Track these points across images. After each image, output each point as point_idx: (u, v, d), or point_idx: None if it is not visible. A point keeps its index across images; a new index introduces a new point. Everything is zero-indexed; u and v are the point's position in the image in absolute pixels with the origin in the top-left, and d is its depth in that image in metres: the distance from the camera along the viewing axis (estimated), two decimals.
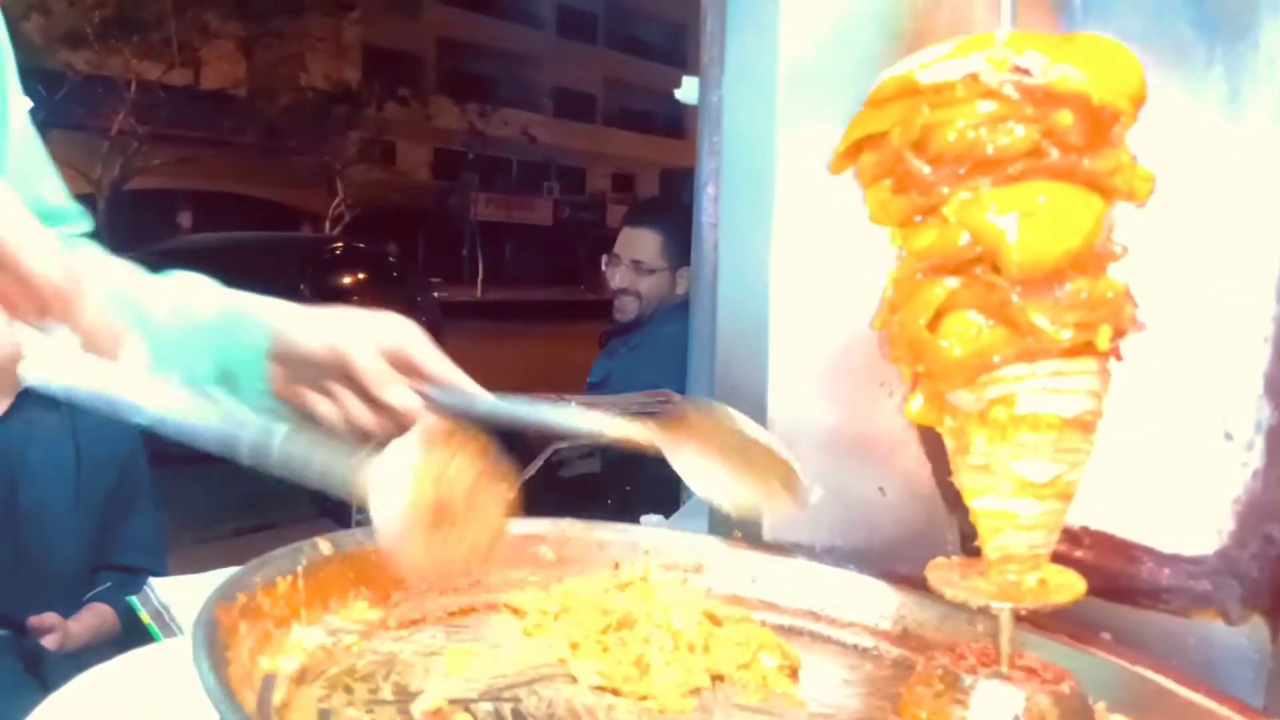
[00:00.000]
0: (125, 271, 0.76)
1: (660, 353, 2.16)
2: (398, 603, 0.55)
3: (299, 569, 0.49)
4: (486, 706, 0.47)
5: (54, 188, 0.85)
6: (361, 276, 8.60)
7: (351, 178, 17.87)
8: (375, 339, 0.63)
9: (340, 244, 9.75)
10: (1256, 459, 0.53)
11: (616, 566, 0.64)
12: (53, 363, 0.41)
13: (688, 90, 1.18)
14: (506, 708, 0.47)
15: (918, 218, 0.49)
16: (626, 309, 2.32)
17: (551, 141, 23.91)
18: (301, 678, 0.47)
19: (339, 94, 17.11)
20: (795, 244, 0.68)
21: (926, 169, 0.47)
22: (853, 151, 0.51)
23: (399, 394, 0.61)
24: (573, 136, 25.41)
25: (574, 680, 0.50)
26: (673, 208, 2.60)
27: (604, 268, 2.37)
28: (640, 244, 2.33)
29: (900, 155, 0.48)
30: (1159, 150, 0.49)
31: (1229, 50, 0.54)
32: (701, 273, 1.10)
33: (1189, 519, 0.55)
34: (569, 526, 0.65)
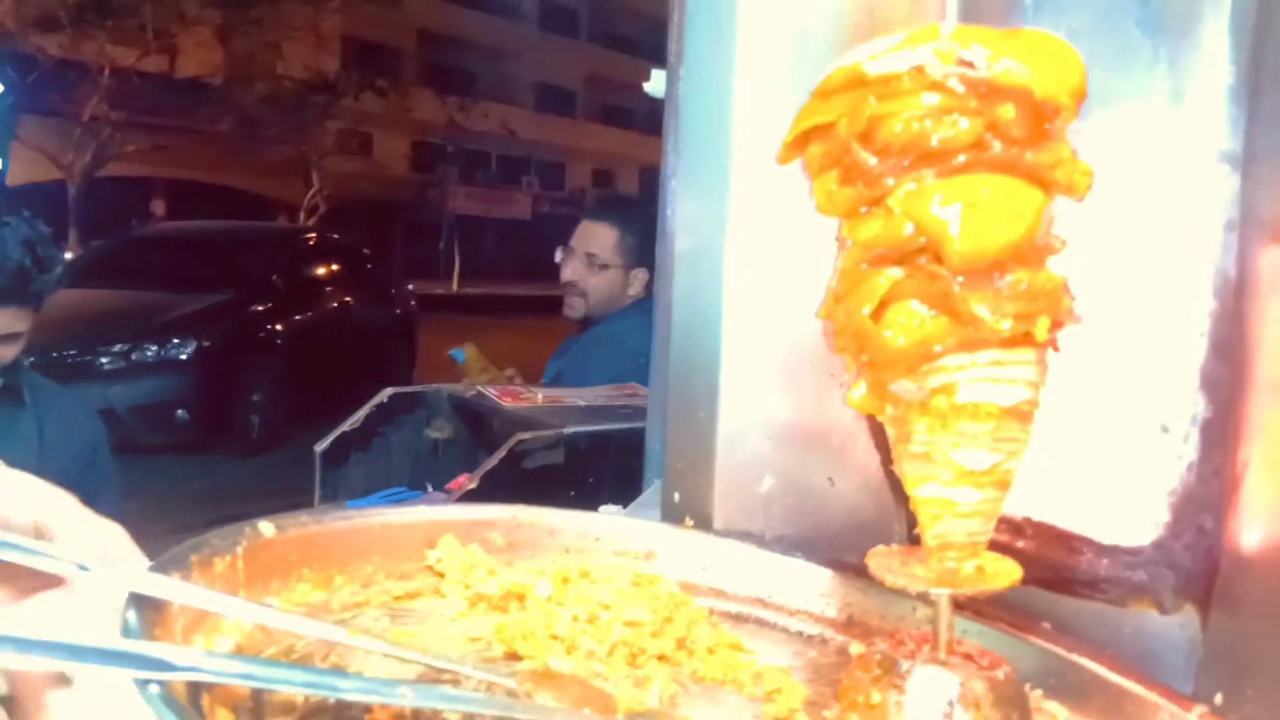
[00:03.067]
0: None
1: (611, 349, 2.14)
2: (341, 586, 0.55)
3: (239, 549, 0.49)
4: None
5: None
6: (335, 268, 8.54)
7: (328, 169, 17.74)
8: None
9: (314, 235, 9.67)
10: (1191, 452, 0.54)
11: (567, 552, 0.64)
12: None
13: (656, 83, 1.18)
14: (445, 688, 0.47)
15: (863, 209, 0.49)
16: (574, 306, 2.27)
17: (531, 136, 23.85)
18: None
19: (317, 84, 16.97)
20: (749, 236, 0.68)
21: (873, 160, 0.48)
22: (800, 142, 0.51)
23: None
24: (553, 131, 25.35)
25: (515, 661, 0.50)
26: (636, 206, 2.57)
27: (558, 259, 2.31)
28: (596, 237, 2.28)
29: (847, 146, 0.49)
30: (1104, 147, 0.49)
31: (1172, 49, 0.55)
32: (665, 266, 1.10)
33: (1127, 510, 0.56)
34: (520, 512, 0.65)
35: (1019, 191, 0.47)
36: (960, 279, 0.46)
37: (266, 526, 0.52)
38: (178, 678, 0.33)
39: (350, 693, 0.36)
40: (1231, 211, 0.53)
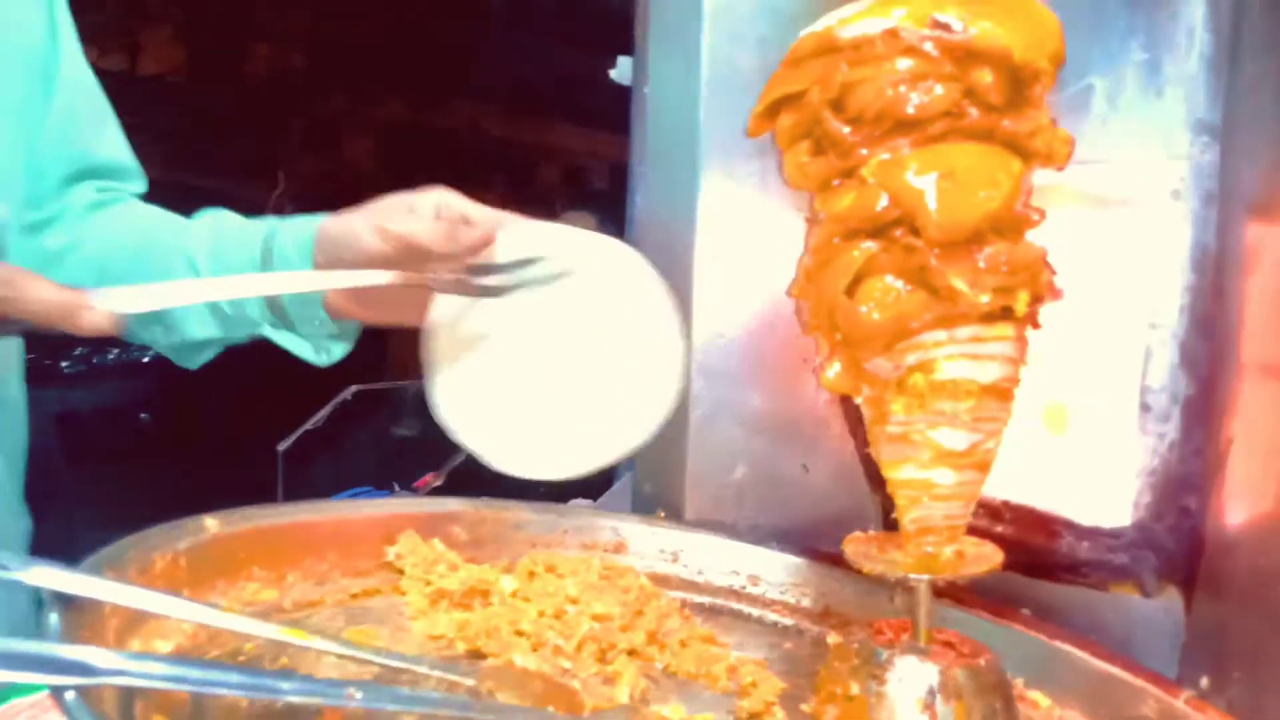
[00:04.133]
0: (166, 218, 0.76)
1: None
2: (294, 584, 0.52)
3: (180, 546, 0.46)
4: None
5: (112, 142, 0.81)
6: None
7: (294, 167, 17.51)
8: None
9: None
10: (1173, 431, 0.52)
11: (533, 546, 0.62)
12: None
13: (622, 70, 1.15)
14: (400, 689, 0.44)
15: (836, 181, 0.47)
16: None
17: (501, 134, 23.72)
18: None
19: (282, 82, 16.74)
20: (719, 220, 0.66)
21: (845, 129, 0.46)
22: (771, 113, 0.49)
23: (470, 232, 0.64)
24: (523, 129, 25.26)
25: (479, 660, 0.48)
26: (608, 196, 2.66)
27: None
28: (579, 225, 2.36)
29: (819, 115, 0.47)
30: (1080, 121, 0.48)
31: (1149, 20, 0.53)
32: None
33: (1107, 492, 0.55)
34: (485, 506, 0.63)
35: (997, 160, 0.45)
36: (937, 251, 0.44)
37: (211, 521, 0.49)
38: (99, 683, 0.30)
39: (293, 695, 0.33)
40: (1210, 184, 0.52)
